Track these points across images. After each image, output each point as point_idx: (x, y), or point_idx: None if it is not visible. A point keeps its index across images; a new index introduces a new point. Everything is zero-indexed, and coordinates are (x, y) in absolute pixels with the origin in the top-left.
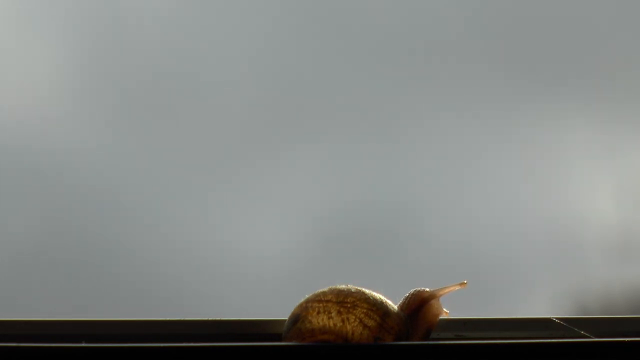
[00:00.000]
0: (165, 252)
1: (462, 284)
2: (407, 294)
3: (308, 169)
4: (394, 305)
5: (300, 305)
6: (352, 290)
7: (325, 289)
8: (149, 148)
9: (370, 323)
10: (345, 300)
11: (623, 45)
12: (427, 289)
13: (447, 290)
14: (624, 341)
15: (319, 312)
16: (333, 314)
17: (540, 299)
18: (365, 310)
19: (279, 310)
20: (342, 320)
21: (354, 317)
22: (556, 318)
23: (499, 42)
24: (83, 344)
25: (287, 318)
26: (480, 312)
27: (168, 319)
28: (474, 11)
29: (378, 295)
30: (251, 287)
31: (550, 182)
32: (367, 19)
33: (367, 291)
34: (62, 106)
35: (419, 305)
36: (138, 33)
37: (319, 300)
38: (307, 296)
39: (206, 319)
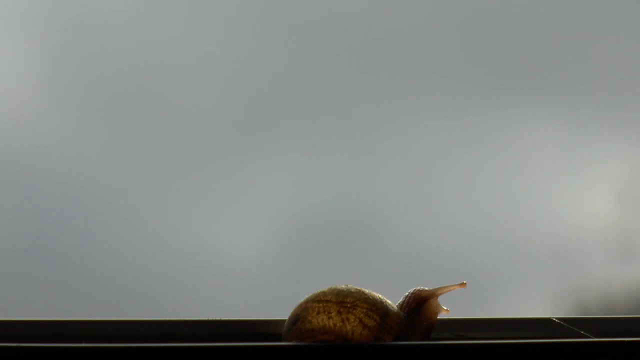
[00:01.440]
0: (141, 252)
1: (461, 284)
2: (407, 293)
3: (282, 169)
4: (393, 305)
5: (300, 306)
6: (352, 290)
7: (325, 289)
8: (123, 148)
9: (370, 323)
10: (345, 300)
11: (597, 51)
12: (426, 288)
13: (446, 289)
14: (624, 341)
15: (318, 312)
16: (333, 314)
17: (540, 299)
18: (365, 310)
19: (255, 308)
20: (342, 321)
21: (353, 317)
22: (556, 318)
23: (477, 47)
24: (83, 344)
25: (286, 318)
26: (480, 312)
27: (168, 319)
28: (449, 19)
29: (378, 295)
30: (226, 286)
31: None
32: (340, 22)
33: (366, 291)
34: (31, 104)
35: (418, 304)
36: (109, 31)
37: (319, 300)
38: (306, 296)
39: (206, 319)
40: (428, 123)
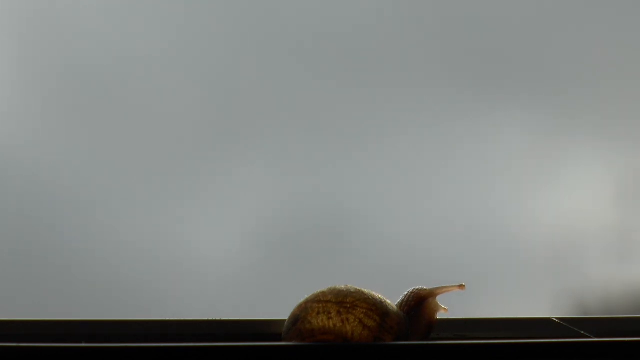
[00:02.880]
0: (115, 252)
1: (460, 286)
2: (406, 293)
3: (256, 170)
4: (393, 304)
5: (300, 306)
6: (352, 290)
7: (325, 289)
8: (97, 149)
9: (370, 323)
10: (345, 301)
11: (579, 53)
12: (425, 288)
13: (445, 290)
14: (624, 341)
15: (318, 313)
16: (333, 315)
17: (540, 299)
18: (364, 311)
19: (230, 309)
20: (342, 321)
21: (353, 317)
22: (556, 318)
23: (458, 50)
24: (83, 344)
25: (286, 318)
26: (480, 312)
27: (168, 319)
28: (429, 22)
29: (377, 295)
30: (201, 285)
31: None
32: (312, 24)
33: (366, 291)
34: (6, 102)
35: (417, 304)
36: (82, 29)
37: (319, 300)
38: (306, 297)
39: (206, 319)
40: (404, 124)
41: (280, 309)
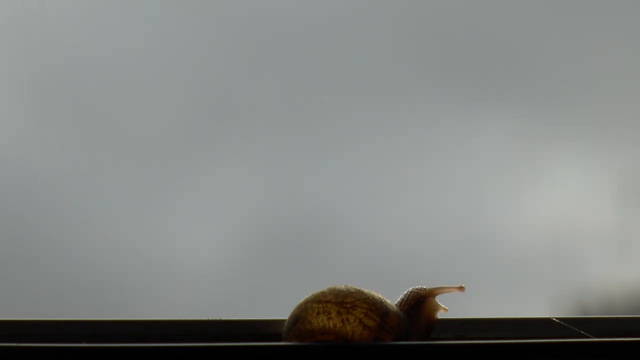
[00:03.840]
0: (97, 250)
1: (460, 287)
2: (405, 292)
3: (239, 171)
4: (393, 304)
5: (300, 306)
6: (352, 290)
7: (325, 289)
8: (80, 150)
9: (370, 323)
10: (345, 301)
11: (555, 58)
12: (425, 287)
13: (445, 290)
14: (624, 341)
15: (318, 313)
16: (333, 315)
17: (540, 299)
18: (364, 311)
19: (214, 308)
20: (342, 321)
21: (353, 317)
22: (556, 318)
23: (434, 55)
24: (83, 344)
25: (286, 318)
26: (480, 312)
27: (168, 319)
28: (402, 27)
29: (377, 295)
30: (183, 286)
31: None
32: (288, 25)
33: (366, 291)
34: None
35: (417, 303)
36: (60, 31)
37: (319, 300)
38: (306, 297)
39: (206, 319)
40: (389, 126)
41: (264, 308)
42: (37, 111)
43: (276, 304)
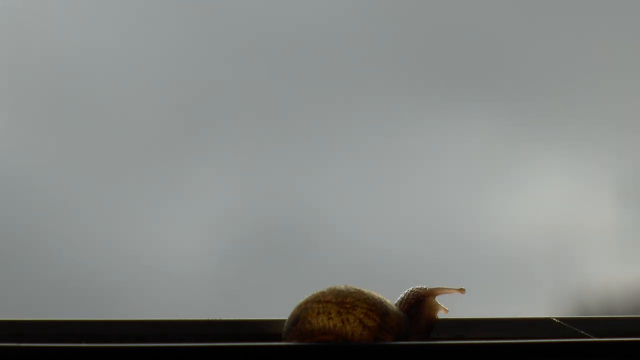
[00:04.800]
0: (84, 251)
1: (461, 289)
2: (405, 291)
3: (224, 172)
4: (392, 304)
5: (300, 307)
6: (352, 290)
7: (325, 289)
8: (61, 147)
9: (370, 323)
10: (345, 301)
11: (532, 61)
12: (425, 287)
13: (445, 291)
14: (624, 341)
15: (318, 313)
16: (333, 315)
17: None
18: (364, 311)
19: (198, 307)
20: (342, 321)
21: (353, 317)
22: (556, 318)
23: (409, 57)
24: (83, 344)
25: (286, 318)
26: (480, 312)
27: (168, 319)
28: (385, 28)
29: (377, 295)
30: (168, 285)
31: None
32: (275, 25)
33: (365, 291)
34: None
35: (417, 302)
36: (47, 31)
37: (319, 301)
38: (306, 297)
39: (206, 319)
40: (371, 127)
41: (251, 307)
42: (26, 112)
43: (263, 304)
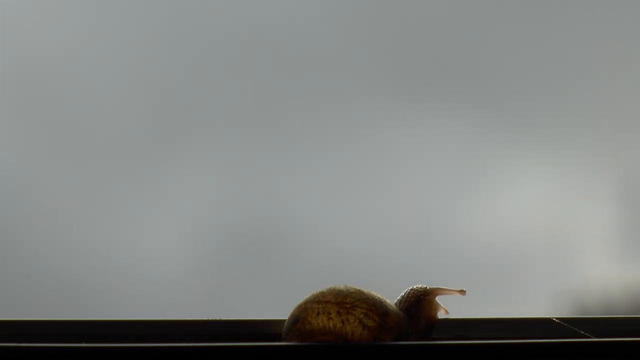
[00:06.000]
0: (59, 251)
1: (461, 291)
2: (405, 291)
3: (201, 172)
4: (392, 304)
5: (299, 307)
6: (351, 290)
7: (324, 289)
8: (33, 148)
9: (370, 323)
10: (345, 301)
11: (508, 63)
12: (426, 286)
13: (445, 291)
14: (624, 341)
15: (318, 313)
16: (333, 315)
17: (540, 299)
18: (364, 311)
19: (170, 309)
20: (342, 321)
21: (353, 317)
22: (556, 318)
23: (387, 60)
24: (83, 344)
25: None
26: (480, 312)
27: (168, 319)
28: (362, 30)
29: (377, 295)
30: (143, 285)
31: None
32: (254, 26)
33: (365, 291)
34: None
35: (417, 301)
36: (14, 31)
37: (318, 301)
38: (305, 297)
39: (206, 319)
40: (349, 129)
41: (224, 310)
42: (0, 117)
43: (242, 305)
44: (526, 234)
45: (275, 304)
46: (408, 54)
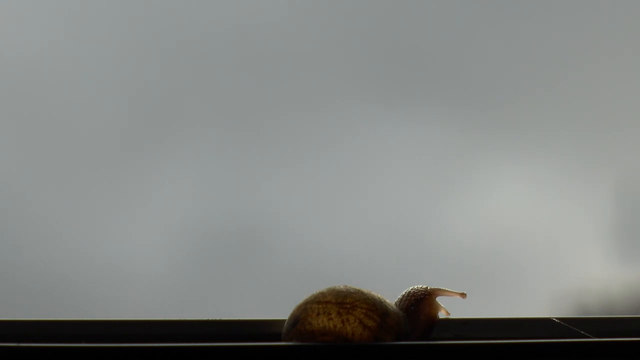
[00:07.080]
0: (42, 252)
1: (462, 294)
2: (405, 291)
3: (179, 172)
4: (392, 304)
5: (300, 307)
6: (351, 290)
7: (324, 289)
8: (8, 149)
9: (370, 323)
10: (345, 301)
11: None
12: (426, 286)
13: (446, 292)
14: (624, 341)
15: (318, 314)
16: (333, 315)
17: (540, 299)
18: (364, 311)
19: (149, 308)
20: (342, 322)
21: (353, 317)
22: (556, 318)
23: (364, 64)
24: (83, 344)
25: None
26: (480, 312)
27: (168, 319)
28: (349, 34)
29: (377, 295)
30: (120, 285)
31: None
32: (232, 27)
33: (365, 291)
34: None
35: (416, 302)
36: None
37: (319, 301)
38: (305, 298)
39: (206, 319)
40: (327, 132)
41: (204, 309)
42: None
43: (222, 305)
44: (526, 234)
45: (259, 304)
46: (389, 55)
